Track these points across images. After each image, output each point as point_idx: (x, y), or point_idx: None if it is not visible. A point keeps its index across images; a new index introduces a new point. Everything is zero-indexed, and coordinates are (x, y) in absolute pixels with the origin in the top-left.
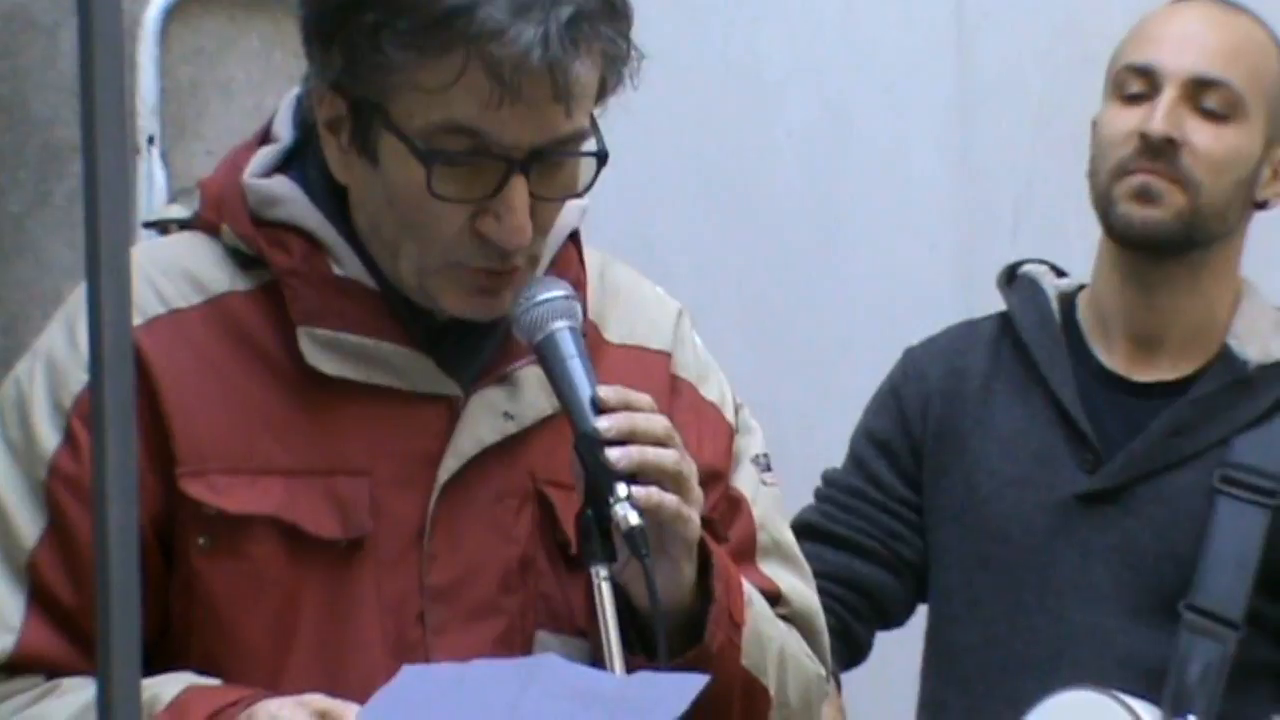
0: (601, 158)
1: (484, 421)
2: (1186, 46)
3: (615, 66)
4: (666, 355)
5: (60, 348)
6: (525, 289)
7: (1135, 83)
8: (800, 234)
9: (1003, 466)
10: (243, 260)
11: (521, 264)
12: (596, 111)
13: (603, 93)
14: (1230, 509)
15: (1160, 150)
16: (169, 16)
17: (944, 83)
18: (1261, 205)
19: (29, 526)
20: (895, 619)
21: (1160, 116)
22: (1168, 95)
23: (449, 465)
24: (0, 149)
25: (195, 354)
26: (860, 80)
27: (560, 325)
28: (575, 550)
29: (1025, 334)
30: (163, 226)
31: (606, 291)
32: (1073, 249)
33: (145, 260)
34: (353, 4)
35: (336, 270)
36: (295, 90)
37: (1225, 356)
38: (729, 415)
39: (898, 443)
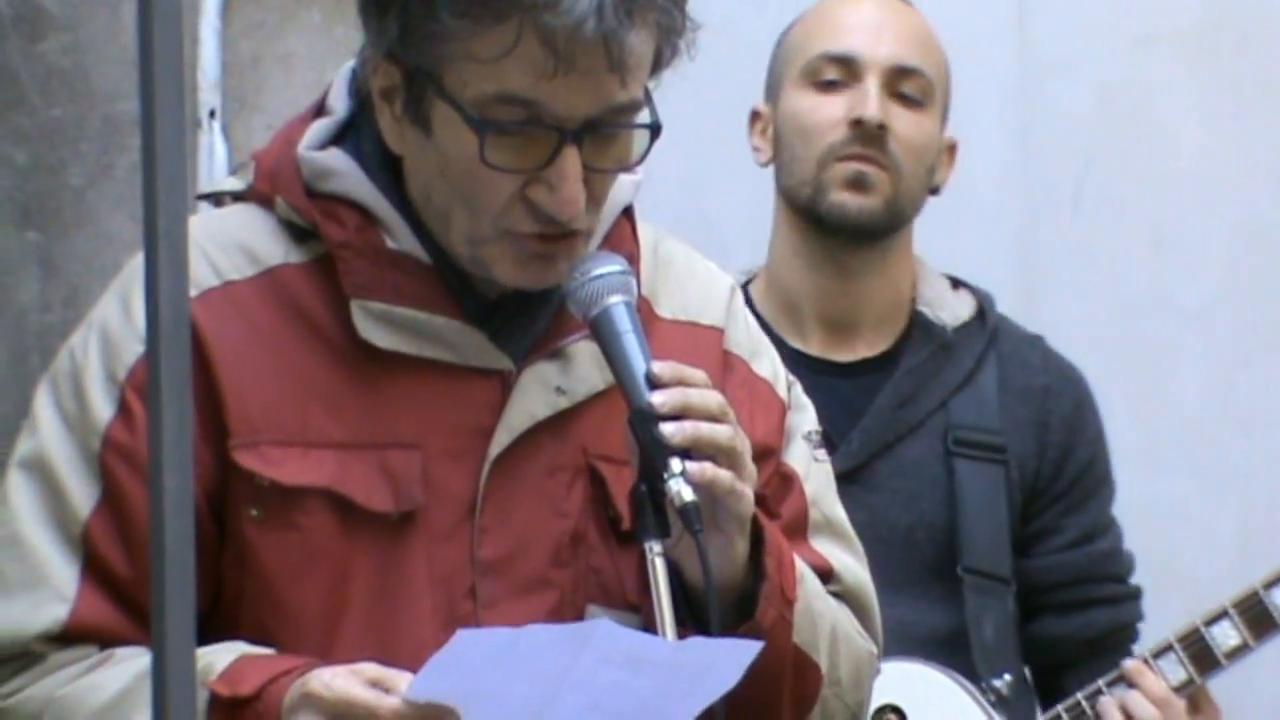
0: (655, 130)
1: (536, 396)
2: (882, 36)
3: (670, 38)
4: (719, 331)
5: (114, 319)
6: (580, 264)
7: (832, 70)
8: None
9: None
10: (296, 233)
11: (577, 231)
12: (652, 84)
13: (657, 65)
14: (969, 470)
15: (873, 137)
16: None
17: (1004, 60)
18: (935, 190)
19: (83, 497)
20: None
21: (873, 104)
22: (874, 83)
23: (500, 439)
24: (62, 122)
25: (248, 326)
26: None
27: (615, 300)
28: (628, 525)
29: None
30: (217, 199)
31: (659, 267)
32: (1135, 227)
33: (200, 232)
34: None
35: (390, 243)
36: (350, 63)
37: (922, 325)
38: (781, 391)
39: None
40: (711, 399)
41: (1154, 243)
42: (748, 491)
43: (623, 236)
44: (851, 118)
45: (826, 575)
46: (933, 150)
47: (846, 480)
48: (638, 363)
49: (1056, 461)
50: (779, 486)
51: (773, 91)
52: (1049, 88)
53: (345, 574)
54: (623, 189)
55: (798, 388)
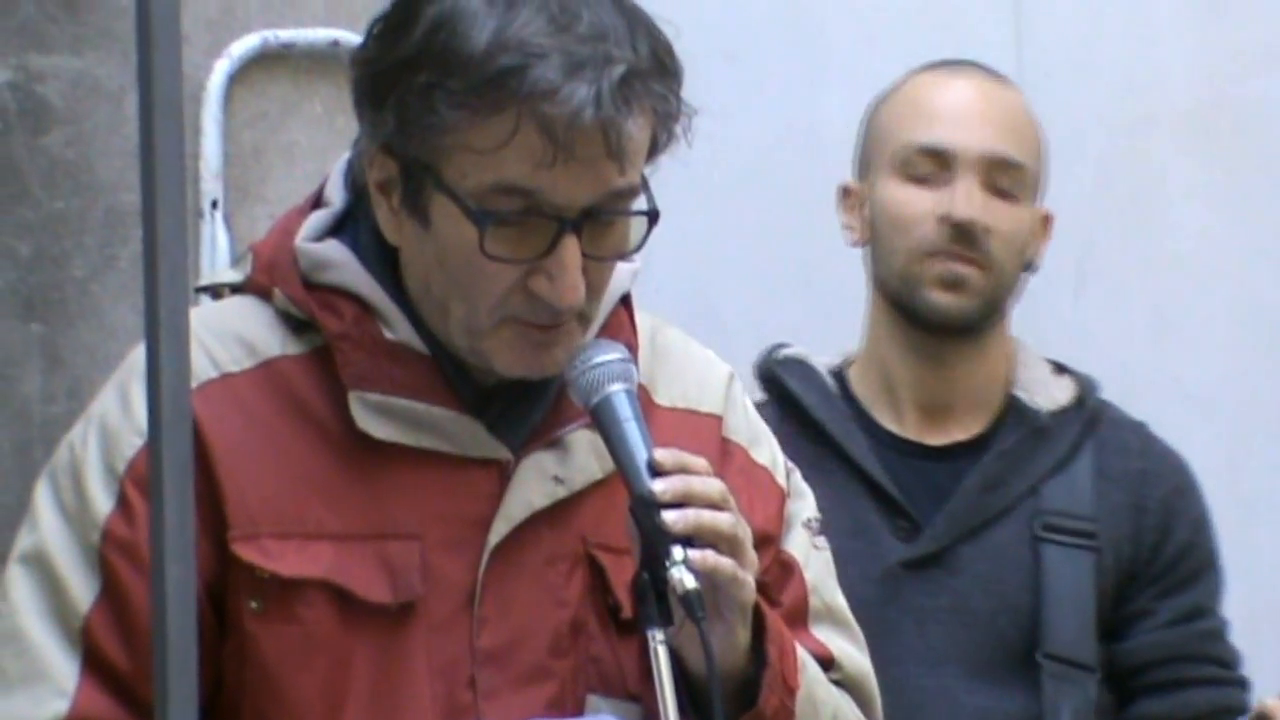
0: (653, 216)
1: (534, 485)
2: (977, 125)
3: (666, 124)
4: (717, 418)
5: (113, 412)
6: (580, 352)
7: (924, 163)
8: (860, 296)
9: None
10: (294, 324)
11: (571, 321)
12: (648, 170)
13: (654, 150)
14: (1057, 555)
15: (967, 236)
16: (233, 81)
17: None
18: (1029, 267)
19: (83, 591)
20: None
21: (966, 202)
22: (967, 179)
23: (499, 529)
24: (65, 214)
25: (247, 418)
26: None
27: (616, 388)
28: (628, 613)
29: (814, 412)
30: (215, 290)
31: (657, 354)
32: (1137, 309)
33: (198, 324)
34: (405, 64)
35: (387, 334)
36: (347, 154)
37: (1016, 409)
38: (780, 479)
39: None
40: (713, 486)
41: (1156, 324)
42: (750, 579)
43: (621, 325)
44: (945, 215)
45: (827, 663)
46: (1026, 235)
47: (930, 564)
48: (639, 450)
49: (1153, 545)
50: (779, 574)
51: (864, 170)
52: (1049, 169)
53: (345, 665)
54: (621, 277)
55: (796, 475)
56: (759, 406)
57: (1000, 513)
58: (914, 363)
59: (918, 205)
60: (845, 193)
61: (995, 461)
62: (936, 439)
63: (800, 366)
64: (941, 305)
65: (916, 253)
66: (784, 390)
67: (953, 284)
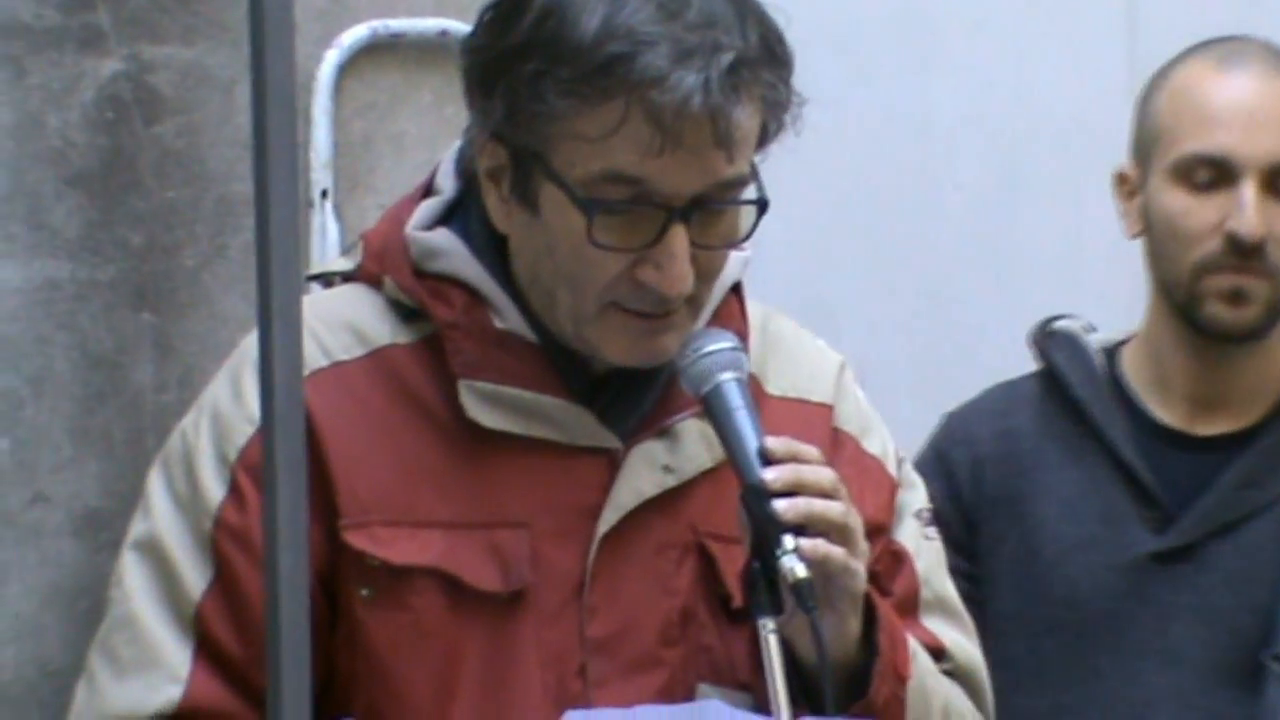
0: (762, 206)
1: (643, 474)
2: (1258, 130)
3: (776, 112)
4: (828, 408)
5: (225, 401)
6: (691, 341)
7: (1204, 171)
8: (970, 287)
9: (1065, 529)
10: (404, 313)
11: (681, 309)
12: (758, 160)
13: (763, 139)
14: None
15: (1252, 250)
16: (343, 71)
17: (1117, 133)
18: None
19: (195, 578)
20: None
21: (1251, 217)
22: (1252, 190)
23: (608, 518)
24: (176, 204)
25: (357, 406)
26: (1032, 132)
27: (727, 377)
28: (739, 602)
29: (1076, 391)
30: (326, 279)
31: (768, 344)
32: None
33: (309, 313)
34: (514, 53)
35: (497, 323)
36: (458, 143)
37: None
38: (891, 469)
39: (948, 511)
40: (824, 475)
41: None
42: (861, 569)
43: (731, 314)
44: (1230, 233)
45: (938, 654)
46: None
47: (1178, 558)
48: (750, 439)
49: None
50: (890, 564)
51: (1141, 160)
52: None
53: (455, 654)
54: (731, 266)
55: (908, 465)
56: (1027, 376)
57: (1256, 510)
58: (1191, 360)
59: (1199, 217)
60: (1121, 180)
61: (1256, 457)
62: (1204, 429)
63: (1070, 343)
64: (1225, 320)
65: (1198, 268)
66: (1051, 365)
67: (1236, 298)
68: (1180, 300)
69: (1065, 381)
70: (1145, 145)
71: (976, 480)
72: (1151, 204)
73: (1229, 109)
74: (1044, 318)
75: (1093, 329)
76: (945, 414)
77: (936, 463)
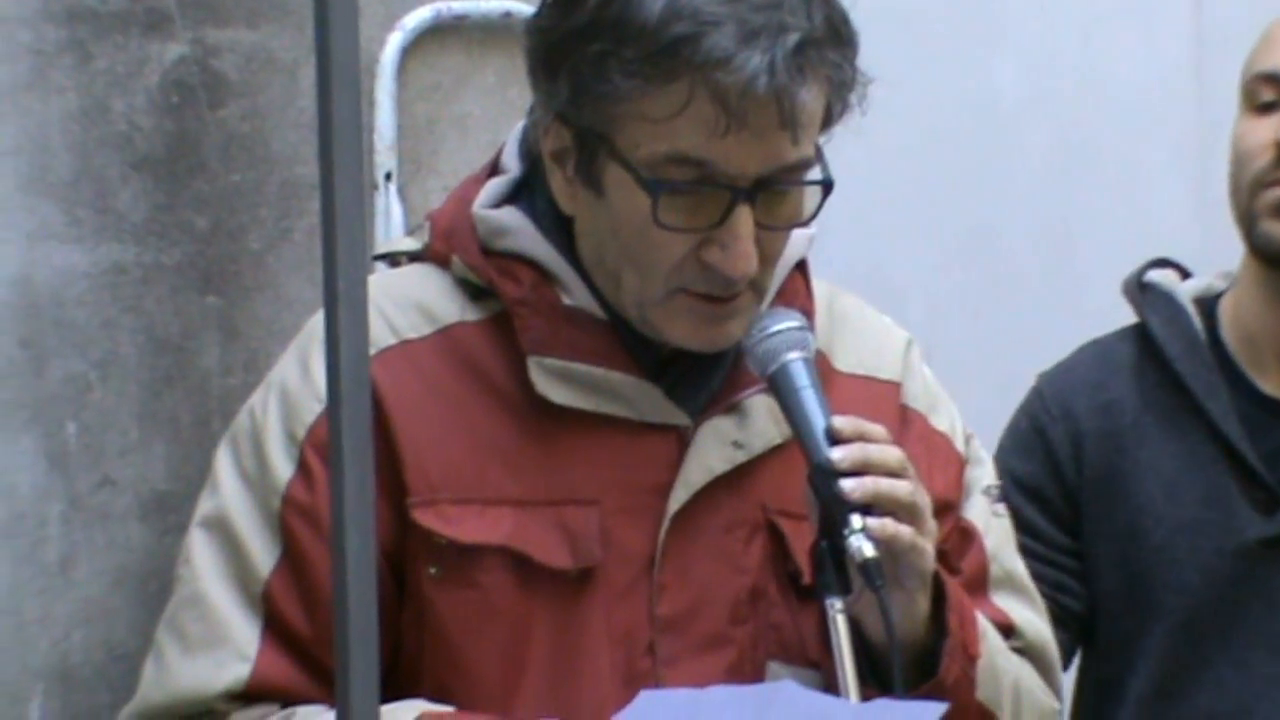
0: (827, 186)
1: (713, 451)
2: None
3: (841, 93)
4: (896, 385)
5: (293, 379)
6: (757, 320)
7: (1267, 90)
8: (1035, 265)
9: (1169, 511)
10: (472, 291)
11: (745, 292)
12: (823, 140)
13: (828, 120)
14: None
15: None
16: (406, 53)
17: (1183, 111)
18: None
19: (263, 556)
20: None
21: None
22: None
23: (679, 495)
24: (241, 187)
25: (426, 384)
26: (1097, 110)
27: (794, 356)
28: (807, 581)
29: (1176, 363)
30: (393, 258)
31: (835, 321)
32: None
33: (377, 292)
34: (579, 34)
35: (565, 300)
36: (522, 123)
37: None
38: (959, 446)
39: (1050, 489)
40: (891, 454)
41: None
42: (929, 547)
43: (796, 292)
44: (1277, 140)
45: (1008, 631)
46: None
47: None
48: (817, 418)
49: None
50: (958, 542)
51: (1240, 104)
52: (1228, 137)
53: (524, 631)
54: (796, 244)
55: (975, 441)
56: (1121, 335)
57: None
58: (1270, 310)
59: (1256, 135)
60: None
61: None
62: None
63: (1167, 302)
64: (1275, 235)
65: (1255, 184)
66: (1146, 327)
67: None
68: (1245, 231)
69: (1165, 350)
70: (1242, 81)
71: (1077, 459)
72: (1235, 135)
73: None
74: (1139, 266)
75: (1187, 275)
76: (1039, 376)
77: (1035, 437)
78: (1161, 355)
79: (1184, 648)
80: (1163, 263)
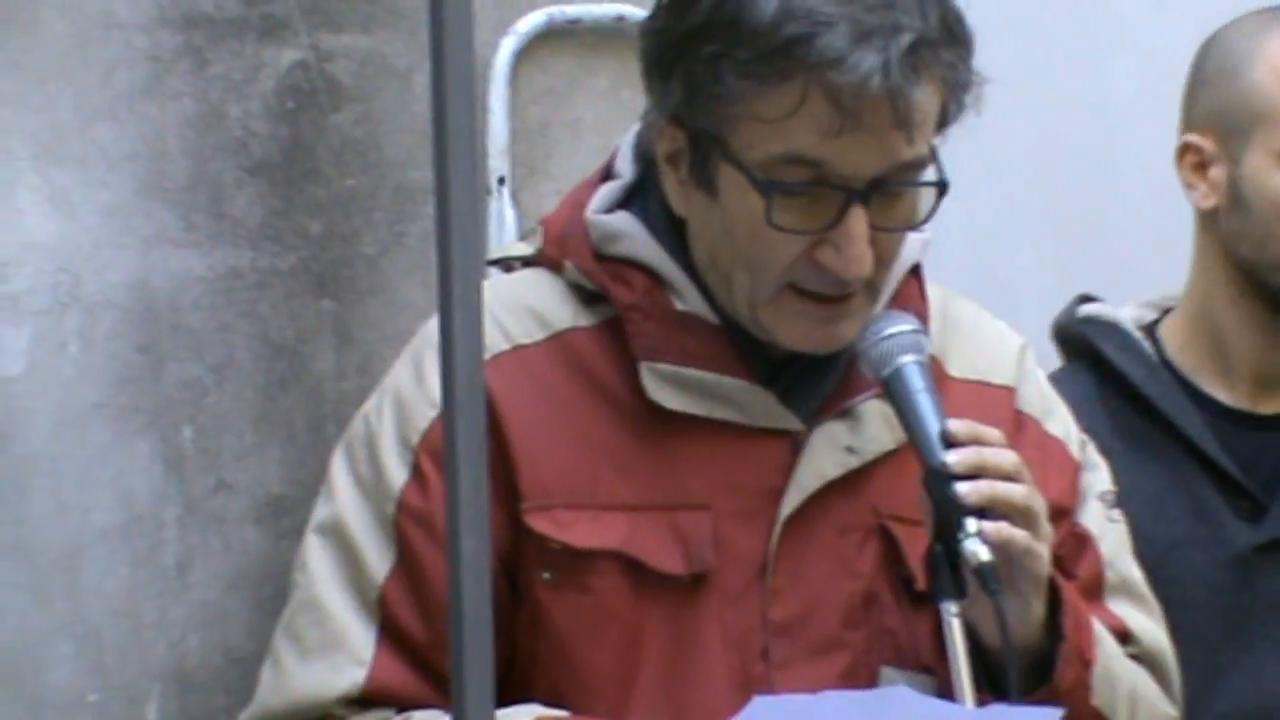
0: (942, 187)
1: (826, 456)
2: None
3: (956, 94)
4: (1010, 390)
5: (407, 385)
6: (872, 323)
7: None
8: (1151, 266)
9: (1159, 530)
10: (585, 296)
11: (859, 293)
12: (937, 141)
13: (943, 121)
14: None
15: None
16: (519, 58)
17: None
18: None
19: (379, 561)
20: None
21: None
22: None
23: (791, 500)
24: (355, 191)
25: (539, 389)
26: None
27: (908, 359)
28: (921, 585)
29: (1144, 388)
30: (506, 263)
31: (948, 326)
32: None
33: (490, 297)
34: (692, 35)
35: (678, 305)
36: (636, 127)
37: None
38: (1074, 451)
39: None
40: (1007, 458)
41: None
42: (1044, 552)
43: (911, 296)
44: None
45: (1124, 637)
46: None
47: (1278, 547)
48: (932, 422)
49: None
50: (1073, 547)
51: (1226, 134)
52: None
53: (637, 636)
54: (911, 247)
55: (1090, 447)
56: (1058, 372)
57: None
58: (1260, 338)
59: None
60: (1192, 150)
61: None
62: (1266, 407)
63: (1114, 332)
64: None
65: None
66: (1098, 357)
67: None
68: (1276, 284)
69: (1129, 377)
70: (1236, 119)
71: None
72: (1250, 182)
73: None
74: (1068, 305)
75: (1120, 306)
76: None
77: None
78: (1123, 382)
79: (1196, 660)
80: (1085, 299)
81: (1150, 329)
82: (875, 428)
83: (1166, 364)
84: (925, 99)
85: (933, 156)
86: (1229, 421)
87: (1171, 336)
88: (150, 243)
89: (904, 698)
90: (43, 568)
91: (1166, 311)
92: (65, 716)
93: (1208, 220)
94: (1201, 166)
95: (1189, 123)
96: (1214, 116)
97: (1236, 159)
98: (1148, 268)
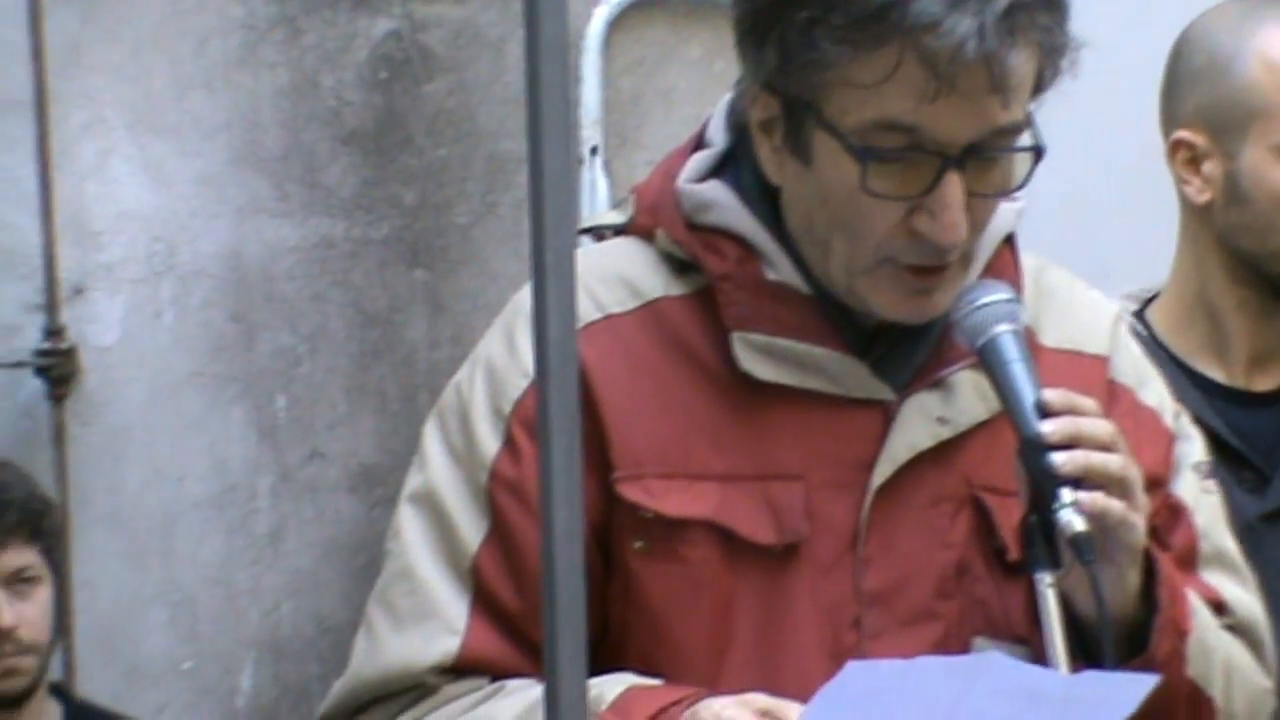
0: (1038, 152)
1: (918, 426)
2: None
3: (1052, 58)
4: (1104, 360)
5: (499, 354)
6: (966, 292)
7: None
8: None
9: None
10: (677, 265)
11: (954, 262)
12: (1033, 106)
13: (1039, 86)
14: None
15: None
16: (612, 28)
17: None
18: None
19: (472, 530)
20: None
21: None
22: None
23: (883, 470)
24: (448, 161)
25: (630, 359)
26: None
27: (1003, 329)
28: (1015, 556)
29: None
30: (598, 232)
31: (1042, 295)
32: None
33: (581, 266)
34: (787, 1)
35: (769, 275)
36: (729, 96)
37: None
38: (1168, 421)
39: None
40: (1103, 428)
41: None
42: (1140, 522)
43: (1005, 265)
44: None
45: (1218, 608)
46: None
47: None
48: (1027, 392)
49: None
50: (1167, 518)
51: (1220, 130)
52: None
53: (729, 605)
54: (1004, 217)
55: (1185, 417)
56: None
57: None
58: (1253, 317)
59: None
60: (1184, 146)
61: None
62: (1261, 385)
63: None
64: None
65: None
66: None
67: None
68: (1273, 269)
69: None
70: (1231, 114)
71: None
72: (1250, 176)
73: None
74: None
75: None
76: None
77: None
78: None
79: None
80: None
81: (1138, 316)
82: (968, 399)
83: (1159, 345)
84: (1021, 63)
85: (1029, 122)
86: (1227, 400)
87: (1161, 322)
88: (244, 212)
89: (998, 663)
90: (138, 536)
91: (1148, 302)
92: (159, 684)
93: (1201, 213)
94: (1194, 162)
95: (1175, 118)
96: (1205, 112)
97: (1233, 154)
98: None
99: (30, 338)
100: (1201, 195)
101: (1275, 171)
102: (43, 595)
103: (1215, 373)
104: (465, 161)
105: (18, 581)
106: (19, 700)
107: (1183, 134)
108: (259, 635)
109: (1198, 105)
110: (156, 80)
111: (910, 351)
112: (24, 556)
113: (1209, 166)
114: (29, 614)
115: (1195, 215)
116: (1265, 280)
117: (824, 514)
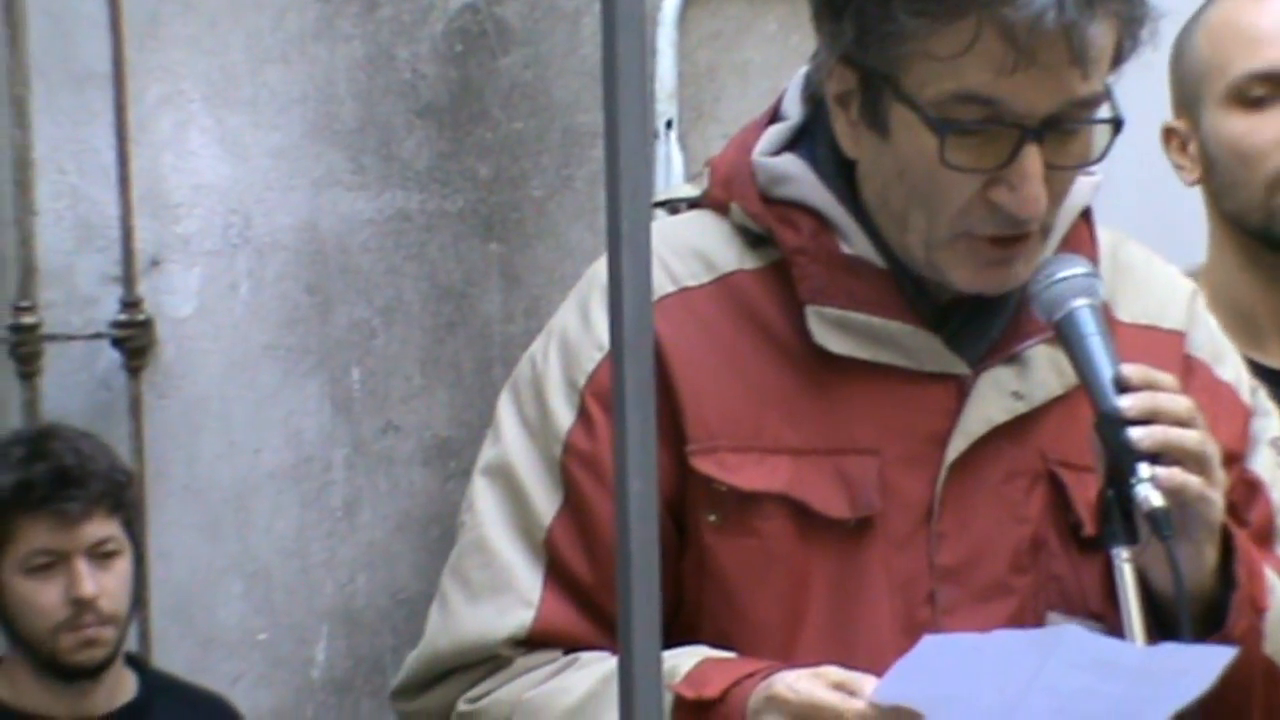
0: (1117, 124)
1: (993, 401)
2: None
3: (1131, 29)
4: (1180, 335)
5: (573, 327)
6: (1044, 266)
7: (1260, 87)
8: None
9: None
10: (751, 238)
11: (1034, 232)
12: (1112, 78)
13: (1118, 57)
14: None
15: None
16: (688, 2)
17: None
18: None
19: (546, 503)
20: None
21: None
22: None
23: (957, 444)
24: (523, 134)
25: (704, 332)
26: None
27: (1081, 303)
28: (1091, 531)
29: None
30: (673, 206)
31: (1119, 270)
32: None
33: (656, 239)
34: None
35: (844, 248)
36: (804, 69)
37: None
38: (1245, 397)
39: None
40: (1181, 404)
41: None
42: (1217, 498)
43: (1081, 239)
44: None
45: None
46: None
47: None
48: (1104, 366)
49: None
50: (1244, 494)
51: (1188, 108)
52: None
53: (803, 579)
54: (1081, 191)
55: (1262, 393)
56: None
57: None
58: (1274, 290)
59: (1263, 133)
60: (1170, 133)
61: None
62: None
63: None
64: None
65: (1272, 182)
66: None
67: None
68: (1257, 223)
69: None
70: (1191, 89)
71: None
72: (1210, 138)
73: (1273, 23)
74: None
75: None
76: None
77: None
78: None
79: None
80: None
81: None
82: (1043, 373)
83: None
84: (1100, 34)
85: (1107, 94)
86: (1266, 380)
87: None
88: (319, 185)
89: (1075, 635)
90: (214, 507)
91: None
92: (234, 654)
93: (1204, 196)
94: (1183, 147)
95: (1174, 113)
96: (1177, 97)
97: (1198, 124)
98: None
99: (108, 309)
100: (1191, 175)
101: (1226, 124)
102: (123, 567)
103: (1253, 353)
104: (540, 135)
105: (100, 553)
106: (98, 670)
107: (1172, 124)
108: (334, 607)
109: (1175, 94)
110: (233, 53)
111: (985, 326)
112: (106, 528)
113: (1192, 146)
114: (110, 585)
115: (1205, 201)
116: (1264, 244)
117: (898, 488)
